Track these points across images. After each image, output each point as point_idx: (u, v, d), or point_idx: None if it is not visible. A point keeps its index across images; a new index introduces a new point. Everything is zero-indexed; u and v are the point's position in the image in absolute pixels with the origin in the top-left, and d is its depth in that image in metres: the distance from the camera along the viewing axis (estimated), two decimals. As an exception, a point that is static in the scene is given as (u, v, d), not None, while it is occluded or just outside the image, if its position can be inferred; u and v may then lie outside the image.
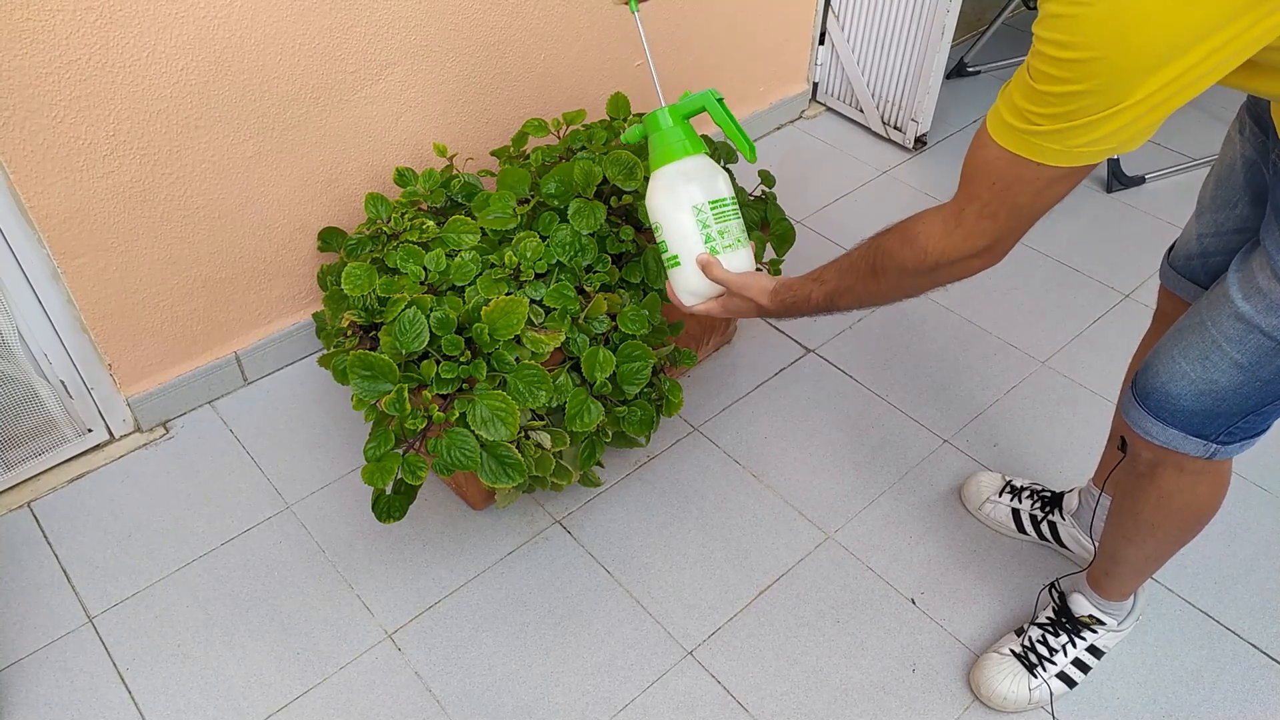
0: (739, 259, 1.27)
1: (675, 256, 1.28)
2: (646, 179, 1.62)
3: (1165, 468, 1.21)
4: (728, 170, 1.71)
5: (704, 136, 1.76)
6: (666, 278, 1.33)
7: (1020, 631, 1.51)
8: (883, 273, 1.08)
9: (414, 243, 1.57)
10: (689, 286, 1.29)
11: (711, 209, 1.25)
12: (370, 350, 1.44)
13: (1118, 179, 2.45)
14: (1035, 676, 1.45)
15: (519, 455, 1.40)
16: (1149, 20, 0.75)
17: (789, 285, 1.21)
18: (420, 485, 1.41)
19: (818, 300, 1.17)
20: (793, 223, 1.87)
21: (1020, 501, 1.67)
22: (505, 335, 1.43)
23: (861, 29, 2.50)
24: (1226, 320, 1.07)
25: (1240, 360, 1.07)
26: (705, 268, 1.26)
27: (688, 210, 1.25)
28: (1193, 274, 1.30)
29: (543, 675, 1.51)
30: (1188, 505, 1.25)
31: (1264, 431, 1.15)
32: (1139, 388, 1.18)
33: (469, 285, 1.52)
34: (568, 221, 1.58)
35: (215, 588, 1.62)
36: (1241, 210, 1.20)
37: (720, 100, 1.28)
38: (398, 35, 1.76)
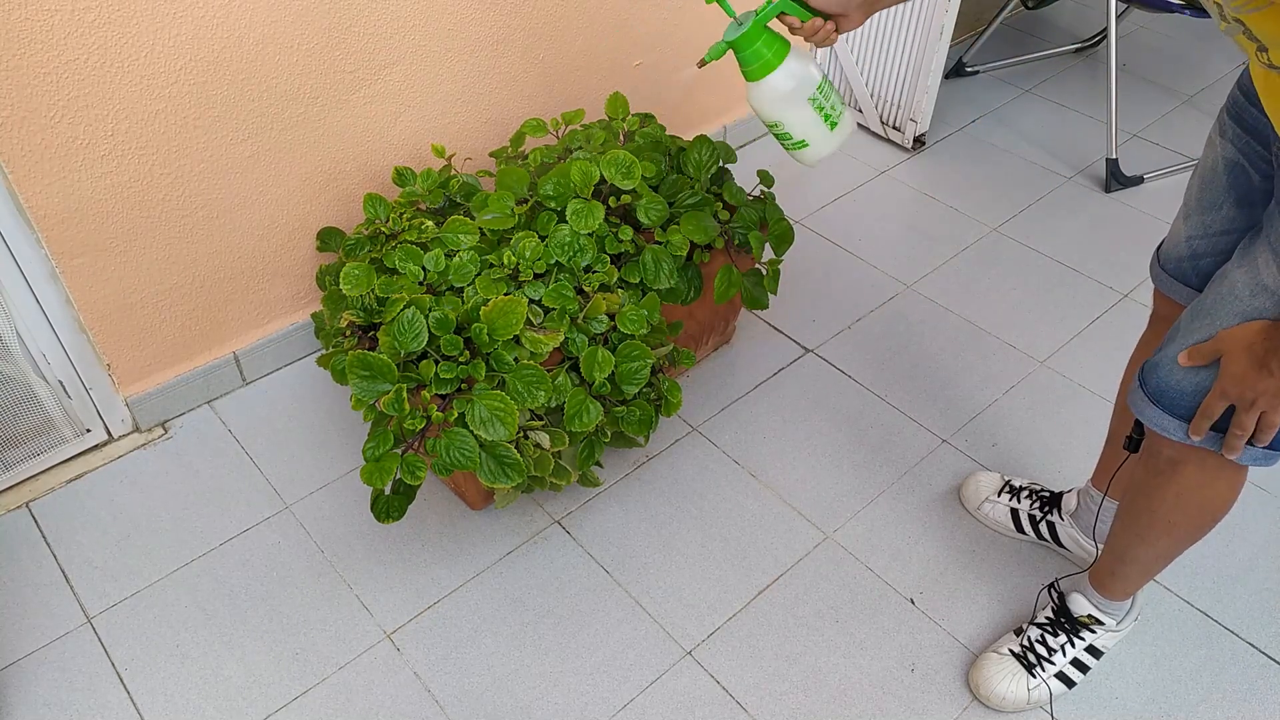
0: (846, 118, 1.39)
1: (804, 140, 1.39)
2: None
3: (1187, 464, 1.19)
4: (733, 156, 1.84)
5: (701, 137, 1.77)
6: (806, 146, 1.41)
7: (1019, 631, 1.51)
8: None
9: (413, 243, 1.57)
10: (822, 154, 1.41)
11: (819, 92, 1.34)
12: (369, 350, 1.44)
13: (1116, 179, 2.44)
14: (1034, 676, 1.45)
15: (518, 455, 1.40)
16: None
17: None
18: (419, 485, 1.41)
19: None
20: (791, 222, 1.87)
21: (1019, 501, 1.67)
22: (504, 335, 1.43)
23: (860, 29, 2.49)
24: (1235, 321, 1.06)
25: None
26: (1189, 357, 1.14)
27: (804, 103, 1.34)
28: (1184, 277, 1.30)
29: (541, 675, 1.51)
30: (1205, 501, 1.24)
31: None
32: (1151, 388, 1.17)
33: (467, 285, 1.52)
34: (566, 221, 1.58)
35: (214, 588, 1.62)
36: (1227, 211, 1.20)
37: None
38: (396, 35, 1.76)
